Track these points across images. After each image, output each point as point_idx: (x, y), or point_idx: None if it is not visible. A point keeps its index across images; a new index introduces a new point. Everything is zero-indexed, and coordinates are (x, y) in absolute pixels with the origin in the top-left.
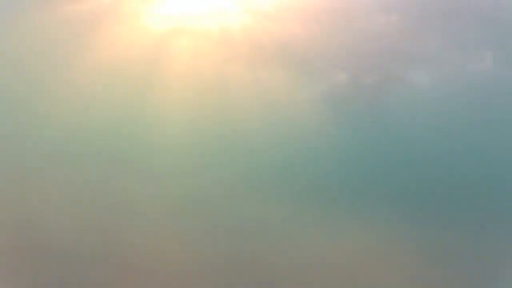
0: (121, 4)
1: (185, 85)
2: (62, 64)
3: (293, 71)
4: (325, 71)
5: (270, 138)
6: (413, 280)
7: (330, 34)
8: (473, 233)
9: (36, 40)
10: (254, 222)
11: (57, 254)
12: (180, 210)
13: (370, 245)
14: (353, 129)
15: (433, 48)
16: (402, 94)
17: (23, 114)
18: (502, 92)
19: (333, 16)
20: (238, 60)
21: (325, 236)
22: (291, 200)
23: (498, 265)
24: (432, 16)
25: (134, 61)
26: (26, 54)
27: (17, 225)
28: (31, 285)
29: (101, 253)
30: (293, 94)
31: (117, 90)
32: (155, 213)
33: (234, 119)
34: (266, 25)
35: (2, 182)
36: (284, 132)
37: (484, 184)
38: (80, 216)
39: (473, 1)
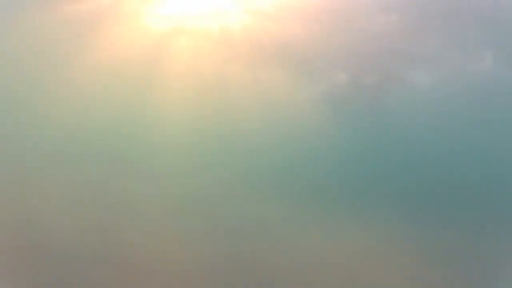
0: (121, 4)
1: (185, 85)
2: (62, 64)
3: (293, 71)
4: (325, 71)
5: (270, 138)
6: (413, 280)
7: (330, 34)
8: (473, 233)
9: (37, 40)
10: (254, 222)
11: (57, 254)
12: (180, 210)
13: (370, 245)
14: (353, 129)
15: (433, 48)
16: (402, 94)
17: (24, 114)
18: (502, 92)
19: (333, 16)
20: (238, 60)
21: (325, 236)
22: (291, 200)
23: (498, 265)
24: (432, 16)
25: (134, 61)
26: (27, 54)
27: (17, 225)
28: (31, 285)
29: (101, 253)
30: (293, 94)
31: (118, 90)
32: (155, 213)
33: (234, 119)
34: (266, 25)
35: (2, 182)
36: (284, 132)
37: (484, 184)
38: (80, 216)
39: (473, 1)
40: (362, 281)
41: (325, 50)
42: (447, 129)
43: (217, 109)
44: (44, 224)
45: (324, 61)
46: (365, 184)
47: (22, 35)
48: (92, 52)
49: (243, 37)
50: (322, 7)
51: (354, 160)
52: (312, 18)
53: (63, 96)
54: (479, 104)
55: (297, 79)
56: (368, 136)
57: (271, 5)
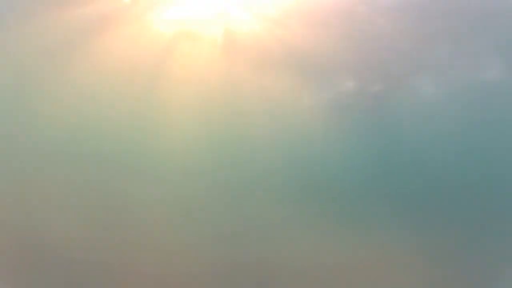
0: (127, 8)
1: (191, 89)
2: (67, 67)
3: (300, 76)
4: (331, 77)
5: (276, 144)
6: (413, 280)
7: (337, 40)
8: (473, 233)
9: (39, 42)
10: (259, 227)
11: (57, 254)
12: (183, 212)
13: (370, 246)
14: (359, 135)
15: (441, 55)
16: (409, 100)
17: (28, 115)
18: (510, 98)
19: (340, 22)
20: (244, 65)
21: (328, 241)
22: (296, 205)
23: (498, 265)
24: (441, 23)
25: (140, 65)
26: (29, 56)
27: (17, 225)
28: (31, 285)
29: (101, 253)
30: (299, 99)
31: (123, 93)
32: (156, 215)
33: (240, 124)
34: (273, 30)
35: (2, 182)
36: (290, 137)
37: (484, 184)
38: (80, 217)
39: (483, 7)
40: (362, 281)
41: (332, 56)
42: (454, 136)
43: (223, 114)
44: (44, 224)
45: (331, 67)
46: (371, 190)
47: (26, 37)
48: (97, 55)
49: (249, 42)
50: (329, 13)
51: (360, 166)
52: (319, 23)
53: (66, 98)
54: (487, 112)
55: (303, 84)
56: (374, 142)
57: (278, 11)
